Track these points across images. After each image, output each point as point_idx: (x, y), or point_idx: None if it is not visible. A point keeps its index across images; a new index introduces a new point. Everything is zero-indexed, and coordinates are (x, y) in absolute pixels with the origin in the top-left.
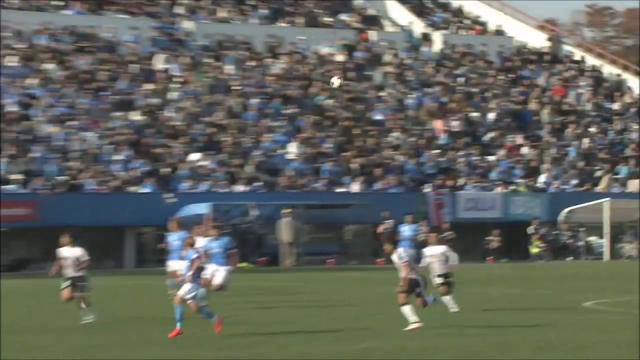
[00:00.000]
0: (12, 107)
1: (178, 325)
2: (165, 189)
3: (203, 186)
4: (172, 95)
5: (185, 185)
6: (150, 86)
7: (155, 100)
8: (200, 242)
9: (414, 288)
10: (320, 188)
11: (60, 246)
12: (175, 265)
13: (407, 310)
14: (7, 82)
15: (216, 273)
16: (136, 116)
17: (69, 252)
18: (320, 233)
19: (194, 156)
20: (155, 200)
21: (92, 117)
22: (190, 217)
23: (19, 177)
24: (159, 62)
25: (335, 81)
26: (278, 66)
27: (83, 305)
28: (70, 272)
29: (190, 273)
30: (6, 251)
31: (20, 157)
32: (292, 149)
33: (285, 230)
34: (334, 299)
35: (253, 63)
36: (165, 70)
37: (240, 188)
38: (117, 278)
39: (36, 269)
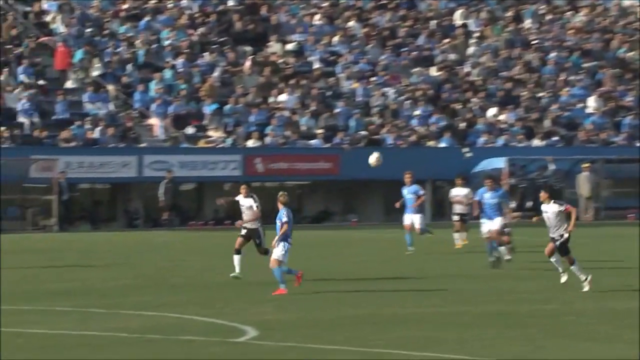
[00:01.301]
0: (316, 64)
1: (282, 286)
2: (462, 144)
3: (500, 141)
4: (470, 50)
5: (482, 140)
6: (449, 42)
7: (453, 56)
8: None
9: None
10: (620, 142)
11: (239, 195)
12: (408, 219)
13: (553, 261)
14: (312, 40)
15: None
16: (435, 72)
17: (244, 202)
18: (620, 188)
19: (492, 111)
20: (453, 154)
21: (392, 73)
22: (487, 171)
23: (322, 132)
24: (458, 18)
25: (375, 159)
26: (578, 19)
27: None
28: (247, 223)
29: (280, 233)
30: (309, 203)
31: (323, 113)
32: (591, 103)
33: (583, 184)
34: (624, 254)
35: (552, 16)
36: (464, 26)
37: (537, 142)
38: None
39: (337, 220)
